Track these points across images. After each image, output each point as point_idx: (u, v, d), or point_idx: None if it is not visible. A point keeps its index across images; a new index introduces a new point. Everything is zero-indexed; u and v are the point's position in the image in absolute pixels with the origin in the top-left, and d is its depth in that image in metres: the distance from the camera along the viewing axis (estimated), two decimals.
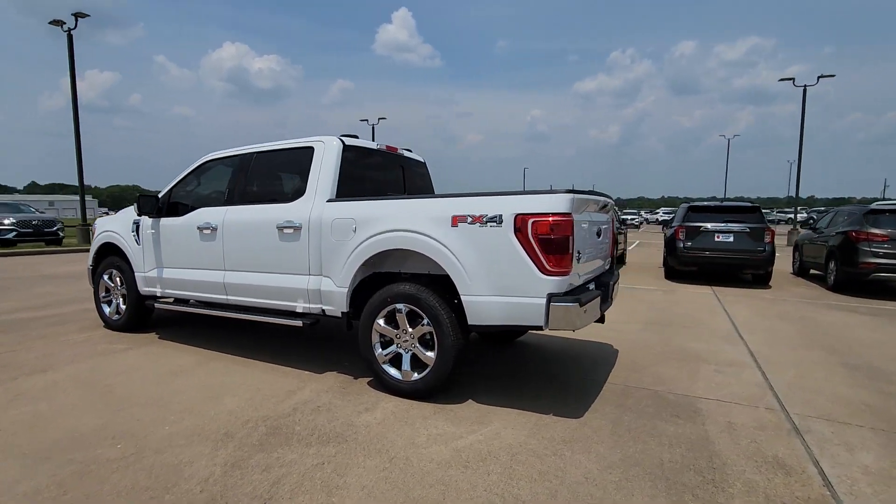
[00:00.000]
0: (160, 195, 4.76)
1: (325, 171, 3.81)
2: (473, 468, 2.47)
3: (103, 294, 5.27)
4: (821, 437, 2.90)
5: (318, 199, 3.75)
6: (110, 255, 5.17)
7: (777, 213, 57.02)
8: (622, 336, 5.22)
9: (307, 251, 3.72)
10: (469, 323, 3.15)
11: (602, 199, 3.74)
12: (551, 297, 2.91)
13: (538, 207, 2.93)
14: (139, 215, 4.74)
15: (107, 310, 5.25)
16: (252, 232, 4.02)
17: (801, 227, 19.81)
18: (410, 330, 3.36)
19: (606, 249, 4.11)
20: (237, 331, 5.19)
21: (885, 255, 7.78)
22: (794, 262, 11.47)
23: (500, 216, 3.00)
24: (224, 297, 4.29)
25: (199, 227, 4.33)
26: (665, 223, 20.65)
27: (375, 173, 4.45)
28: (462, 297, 3.14)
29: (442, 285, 3.29)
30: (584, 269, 3.37)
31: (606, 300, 3.83)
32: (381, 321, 3.44)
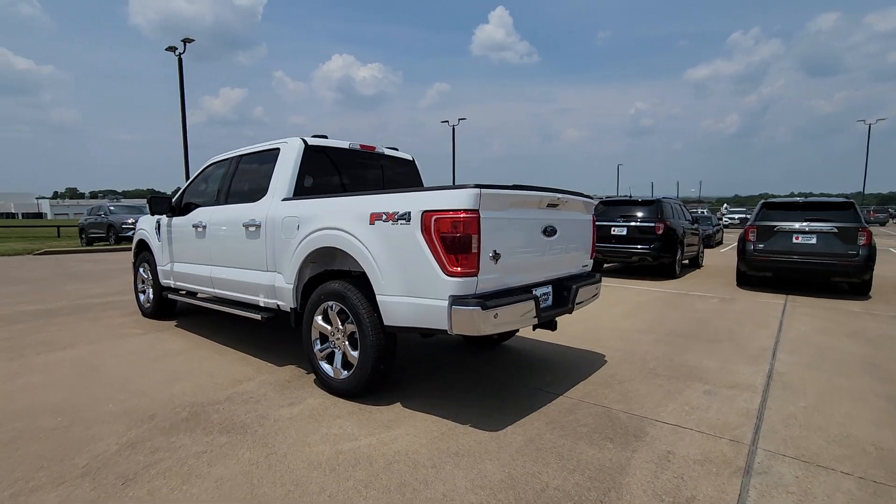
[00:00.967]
0: (175, 196, 5.27)
1: (283, 170, 3.95)
2: (339, 472, 2.40)
3: (140, 285, 5.97)
4: (775, 481, 2.38)
5: (275, 199, 3.89)
6: (144, 251, 5.83)
7: None
8: (627, 346, 4.74)
9: (265, 248, 3.88)
10: (384, 323, 3.06)
11: (563, 196, 3.43)
12: (454, 300, 2.73)
13: (442, 204, 2.77)
14: (151, 215, 5.29)
15: (142, 298, 5.93)
16: (227, 230, 4.30)
17: None
18: (341, 328, 3.36)
19: (572, 249, 3.76)
20: (243, 322, 5.56)
21: None
22: None
23: (409, 213, 2.88)
24: (212, 289, 4.63)
25: (193, 226, 4.72)
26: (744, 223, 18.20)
27: (348, 172, 4.50)
28: (377, 297, 3.06)
29: (367, 284, 3.24)
30: (517, 271, 3.11)
31: (564, 304, 3.51)
32: (318, 318, 3.48)
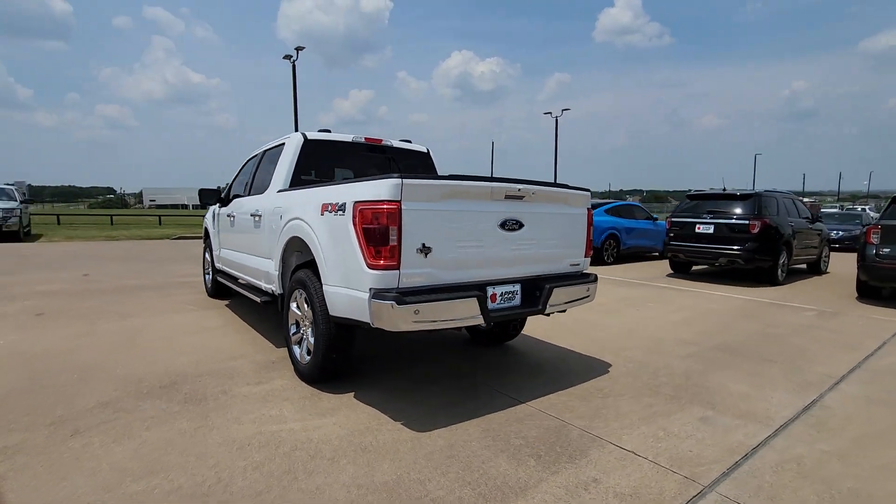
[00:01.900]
0: (226, 188, 5.87)
1: (283, 164, 4.18)
2: (242, 452, 2.50)
3: (207, 268, 6.77)
4: None
5: (272, 190, 4.14)
6: (208, 237, 6.59)
7: None
8: (648, 357, 4.22)
9: (263, 236, 4.16)
10: (329, 313, 3.10)
11: (527, 187, 3.14)
12: (373, 293, 2.67)
13: (368, 195, 2.71)
14: (201, 205, 5.93)
15: (207, 280, 6.72)
16: (245, 219, 4.68)
17: None
18: (308, 314, 3.47)
19: (552, 246, 3.42)
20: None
21: None
22: None
23: (345, 205, 2.87)
24: (239, 273, 5.08)
25: (228, 215, 5.21)
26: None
27: (353, 165, 4.61)
28: (322, 286, 3.11)
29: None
30: (462, 266, 2.93)
31: (534, 305, 3.25)
32: (293, 304, 3.64)
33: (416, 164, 4.96)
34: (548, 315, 3.40)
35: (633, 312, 6.13)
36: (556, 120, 32.41)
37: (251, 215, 4.39)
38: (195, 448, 2.53)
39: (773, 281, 8.67)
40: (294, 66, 20.42)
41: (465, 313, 2.86)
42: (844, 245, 15.36)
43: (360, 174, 4.63)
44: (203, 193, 5.70)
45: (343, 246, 2.88)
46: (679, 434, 2.81)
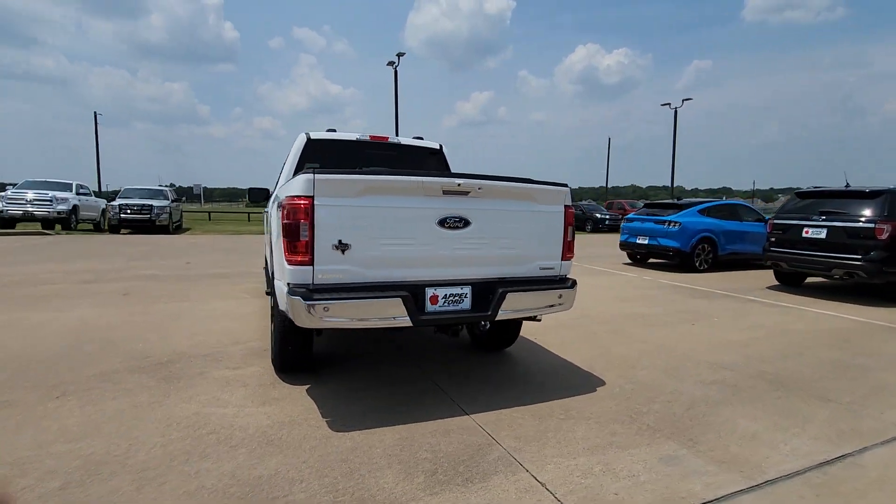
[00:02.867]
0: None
1: (288, 163, 4.41)
2: (165, 429, 2.68)
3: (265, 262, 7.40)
4: None
5: (278, 187, 4.39)
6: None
7: None
8: (657, 379, 3.67)
9: (269, 232, 4.43)
10: (279, 307, 3.18)
11: (473, 182, 2.91)
12: (290, 289, 2.68)
13: (290, 191, 2.73)
14: (250, 202, 6.48)
15: (265, 272, 7.36)
16: (265, 216, 5.02)
17: None
18: None
19: (514, 246, 3.12)
20: None
21: None
22: None
23: (281, 200, 2.93)
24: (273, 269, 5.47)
25: (266, 212, 5.65)
26: None
27: (358, 162, 4.68)
28: (274, 280, 3.21)
29: None
30: (391, 265, 2.82)
31: (483, 310, 3.01)
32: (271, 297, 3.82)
33: (425, 161, 4.89)
34: (536, 320, 3.15)
35: (686, 328, 5.34)
36: (676, 112, 29.46)
37: (265, 212, 4.70)
38: (134, 421, 2.78)
39: None
40: (396, 73, 21.42)
41: (388, 314, 2.74)
42: None
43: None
44: (252, 192, 6.24)
45: (277, 241, 2.95)
46: (619, 472, 2.38)
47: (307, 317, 2.60)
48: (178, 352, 4.03)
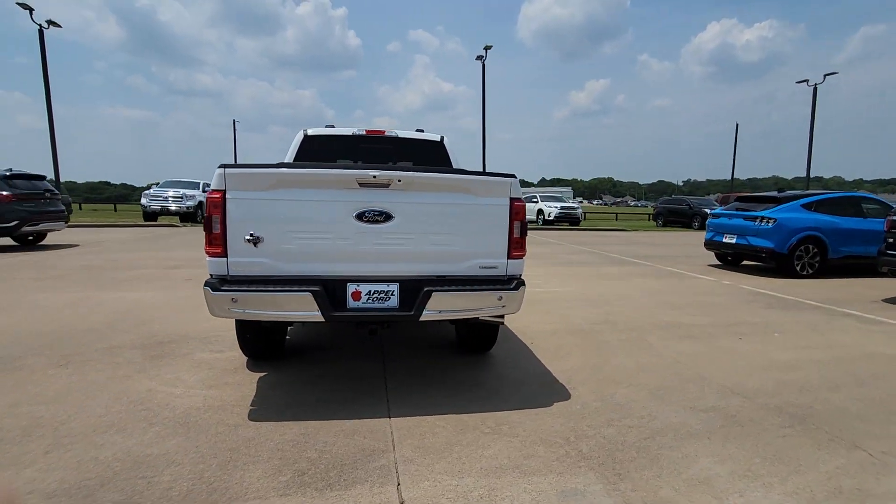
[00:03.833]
0: None
1: (286, 159, 4.59)
2: (107, 403, 2.96)
3: None
4: None
5: None
6: None
7: None
8: (645, 401, 3.20)
9: None
10: None
11: (391, 173, 2.76)
12: (207, 279, 2.78)
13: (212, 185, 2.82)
14: None
15: None
16: None
17: None
18: None
19: (449, 242, 2.90)
20: None
21: None
22: None
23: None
24: None
25: None
26: None
27: (356, 156, 4.72)
28: None
29: None
30: (308, 259, 2.79)
31: (406, 310, 2.88)
32: None
33: (428, 154, 4.77)
34: (499, 323, 2.96)
35: (727, 342, 4.55)
36: (815, 88, 25.09)
37: None
38: (96, 392, 3.12)
39: None
40: (483, 67, 21.25)
41: (297, 308, 2.72)
42: None
43: (363, 162, 4.73)
44: None
45: None
46: (500, 500, 2.09)
47: (216, 307, 2.68)
48: (183, 333, 4.43)
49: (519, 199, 2.99)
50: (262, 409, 2.93)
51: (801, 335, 4.85)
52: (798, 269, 8.47)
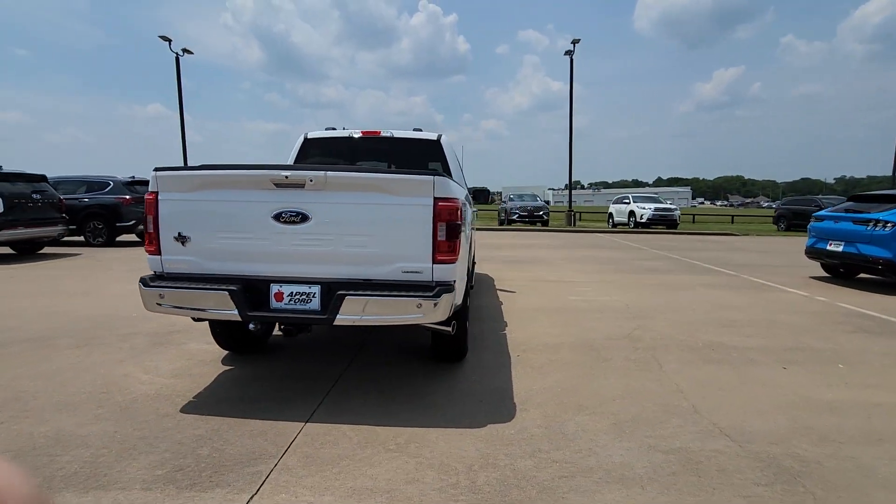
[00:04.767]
0: None
1: (288, 161, 4.77)
2: (82, 382, 3.28)
3: None
4: None
5: None
6: None
7: None
8: (596, 436, 2.78)
9: None
10: None
11: (302, 173, 2.70)
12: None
13: None
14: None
15: None
16: None
17: None
18: None
19: (369, 245, 2.76)
20: None
21: None
22: None
23: None
24: None
25: None
26: None
27: (356, 157, 4.75)
28: None
29: None
30: (230, 258, 2.85)
31: (322, 313, 2.81)
32: None
33: (423, 153, 4.63)
34: (447, 331, 2.98)
35: (762, 372, 3.77)
36: None
37: None
38: (82, 373, 3.48)
39: None
40: (571, 62, 20.27)
41: (216, 306, 2.77)
42: None
43: (360, 162, 4.75)
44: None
45: None
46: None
47: (147, 301, 2.85)
48: (193, 324, 4.78)
49: (446, 199, 2.75)
50: (199, 402, 3.04)
51: (874, 370, 3.84)
52: None
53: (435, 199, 2.73)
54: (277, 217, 2.77)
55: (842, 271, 8.43)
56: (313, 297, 2.82)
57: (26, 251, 10.10)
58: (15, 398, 3.04)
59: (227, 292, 2.75)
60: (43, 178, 10.06)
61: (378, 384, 3.39)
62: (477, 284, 7.26)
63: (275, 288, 2.84)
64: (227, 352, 3.94)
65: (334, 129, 4.84)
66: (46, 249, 10.61)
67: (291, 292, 2.83)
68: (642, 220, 20.12)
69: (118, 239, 12.26)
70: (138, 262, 9.09)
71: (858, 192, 8.87)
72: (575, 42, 19.71)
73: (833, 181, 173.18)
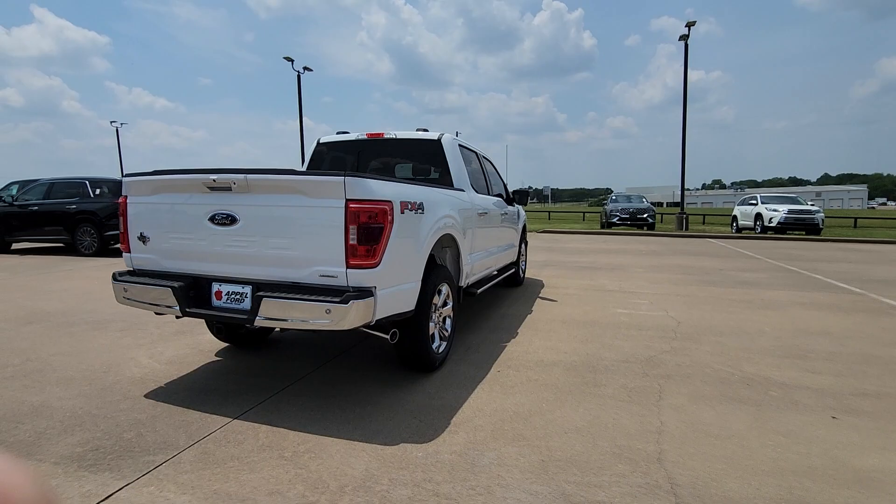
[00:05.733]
0: None
1: (305, 165, 4.98)
2: (90, 360, 3.78)
3: None
4: None
5: None
6: None
7: None
8: (533, 468, 2.47)
9: None
10: None
11: (230, 176, 2.78)
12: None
13: None
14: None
15: None
16: None
17: None
18: None
19: (287, 247, 2.75)
20: None
21: None
22: None
23: None
24: None
25: None
26: None
27: (364, 160, 4.78)
28: None
29: None
30: (179, 257, 3.05)
31: (245, 314, 2.87)
32: None
33: (427, 153, 4.51)
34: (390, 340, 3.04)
35: (798, 419, 2.96)
36: None
37: None
38: (97, 353, 4.01)
39: None
40: (686, 47, 18.15)
41: (163, 301, 2.98)
42: None
43: (379, 169, 4.78)
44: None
45: None
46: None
47: (116, 294, 3.17)
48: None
49: (362, 201, 2.61)
50: (165, 389, 3.30)
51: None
52: None
53: (347, 200, 2.61)
54: (212, 219, 2.89)
55: None
56: (245, 297, 2.89)
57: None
58: (39, 370, 3.61)
59: (169, 289, 2.95)
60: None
61: (334, 388, 3.36)
62: (520, 291, 6.87)
63: (215, 287, 2.97)
64: (227, 345, 4.24)
65: (346, 132, 4.93)
66: None
67: (228, 291, 2.94)
68: (772, 224, 17.25)
69: None
70: None
71: None
72: (689, 25, 17.61)
73: None
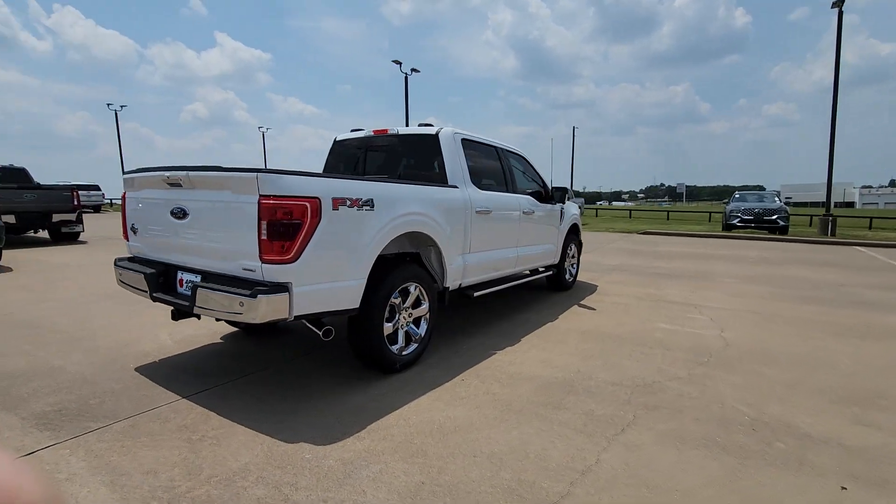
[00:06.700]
0: None
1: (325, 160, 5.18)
2: (118, 334, 4.37)
3: None
4: None
5: None
6: None
7: None
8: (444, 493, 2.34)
9: None
10: None
11: (175, 172, 3.00)
12: None
13: None
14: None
15: None
16: None
17: None
18: None
19: (217, 240, 2.89)
20: None
21: None
22: None
23: None
24: None
25: None
26: None
27: (376, 155, 4.84)
28: None
29: None
30: (156, 247, 3.37)
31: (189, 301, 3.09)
32: None
33: (421, 148, 4.41)
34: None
35: (792, 485, 2.31)
36: None
37: None
38: (125, 328, 4.61)
39: None
40: (840, 13, 15.01)
41: (139, 285, 3.32)
42: None
43: (382, 162, 4.82)
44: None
45: None
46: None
47: (117, 278, 3.61)
48: None
49: (276, 197, 2.63)
50: (156, 365, 3.69)
51: None
52: None
53: (260, 196, 2.64)
54: (172, 213, 3.15)
55: None
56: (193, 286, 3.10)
57: None
58: (80, 338, 4.28)
59: (142, 275, 3.28)
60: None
61: (296, 379, 3.46)
62: (560, 296, 6.38)
63: (179, 275, 3.24)
64: (235, 329, 4.60)
65: (361, 130, 5.00)
66: None
67: (187, 280, 3.18)
68: None
69: None
70: None
71: None
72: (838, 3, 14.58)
73: None
